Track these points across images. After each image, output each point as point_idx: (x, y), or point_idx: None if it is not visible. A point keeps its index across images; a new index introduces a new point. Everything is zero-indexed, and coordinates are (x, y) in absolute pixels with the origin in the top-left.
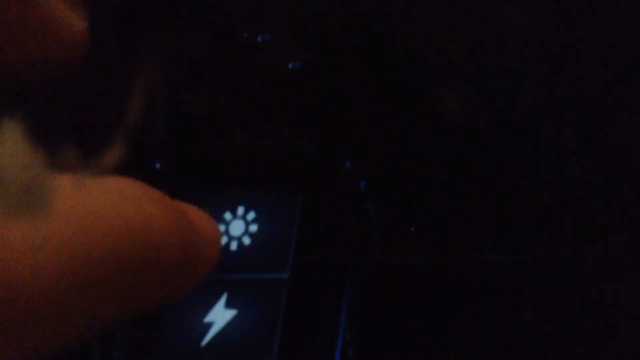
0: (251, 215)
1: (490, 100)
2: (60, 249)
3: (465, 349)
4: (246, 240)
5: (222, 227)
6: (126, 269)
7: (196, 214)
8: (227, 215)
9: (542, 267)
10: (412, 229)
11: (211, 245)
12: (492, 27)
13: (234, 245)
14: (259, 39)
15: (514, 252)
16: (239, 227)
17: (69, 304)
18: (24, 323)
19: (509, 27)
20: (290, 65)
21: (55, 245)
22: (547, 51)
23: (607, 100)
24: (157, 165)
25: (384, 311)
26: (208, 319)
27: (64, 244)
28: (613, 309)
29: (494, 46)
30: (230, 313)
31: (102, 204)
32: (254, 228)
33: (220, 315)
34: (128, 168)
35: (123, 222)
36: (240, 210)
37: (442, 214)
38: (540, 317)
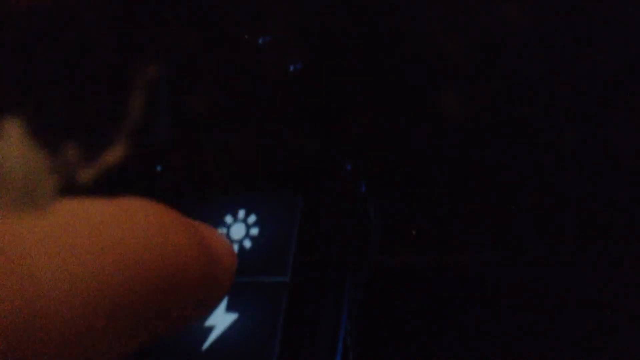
0: (252, 219)
1: (489, 100)
2: (88, 278)
3: (465, 349)
4: (247, 244)
5: (223, 231)
6: (152, 295)
7: (214, 237)
8: (228, 219)
9: (542, 267)
10: (414, 232)
11: (228, 267)
12: (492, 27)
13: (234, 249)
14: (260, 41)
15: (514, 252)
16: (239, 230)
17: (94, 331)
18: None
19: (509, 27)
20: (291, 67)
21: (82, 275)
22: (546, 51)
23: (607, 100)
24: (159, 168)
25: (385, 312)
26: (209, 322)
27: (91, 274)
28: (613, 309)
29: (492, 46)
30: (231, 317)
31: (128, 232)
32: (254, 231)
33: (221, 319)
34: (130, 170)
35: (150, 250)
36: (241, 213)
37: (441, 214)
38: (540, 317)
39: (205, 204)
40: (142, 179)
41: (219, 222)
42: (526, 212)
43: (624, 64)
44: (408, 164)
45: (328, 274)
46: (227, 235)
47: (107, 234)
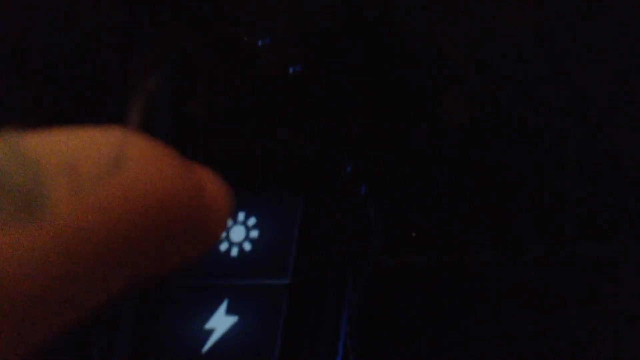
0: (252, 221)
1: (489, 101)
2: (75, 210)
3: (465, 349)
4: (247, 246)
5: (222, 233)
6: (138, 229)
7: (205, 175)
8: (228, 221)
9: (541, 267)
10: (414, 234)
11: (221, 207)
12: (492, 28)
13: (234, 251)
14: (259, 43)
15: (513, 252)
16: (239, 233)
17: (75, 273)
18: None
19: (509, 28)
20: (290, 69)
21: (69, 207)
22: (545, 52)
23: (607, 100)
24: None
25: (385, 312)
26: (209, 325)
27: (79, 207)
28: (613, 309)
29: (492, 48)
30: (231, 319)
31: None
32: (254, 234)
33: (221, 322)
34: None
35: (135, 180)
36: (241, 215)
37: (441, 214)
38: (540, 316)
39: None
40: None
41: None
42: (526, 212)
43: (624, 65)
44: (408, 165)
45: (328, 276)
46: (227, 236)
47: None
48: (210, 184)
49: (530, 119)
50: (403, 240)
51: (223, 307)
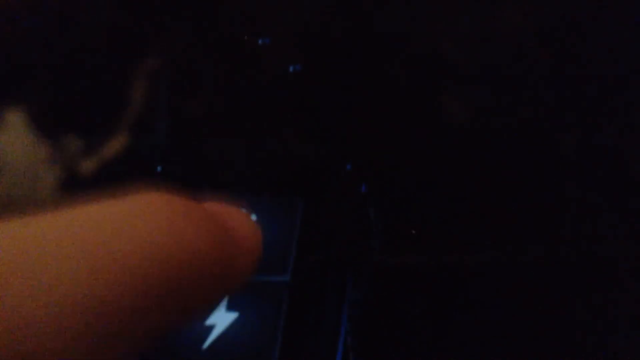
0: (252, 218)
1: (489, 101)
2: (87, 276)
3: (465, 348)
4: None
5: None
6: (158, 287)
7: (235, 218)
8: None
9: (541, 267)
10: (413, 231)
11: (250, 250)
12: (493, 29)
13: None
14: (260, 42)
15: (513, 252)
16: None
17: (100, 331)
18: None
19: (510, 29)
20: (290, 69)
21: (80, 275)
22: (545, 53)
23: (607, 100)
24: (159, 169)
25: (385, 312)
26: (209, 321)
27: (90, 274)
28: (613, 308)
29: (492, 48)
30: (232, 316)
31: (130, 223)
32: None
33: (221, 318)
34: (130, 171)
35: (153, 241)
36: None
37: (441, 214)
38: (540, 316)
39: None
40: (142, 179)
41: None
42: (526, 212)
43: (625, 65)
44: (408, 165)
45: (328, 275)
46: None
47: (108, 240)
48: (240, 227)
49: (531, 119)
50: (403, 240)
51: (224, 303)
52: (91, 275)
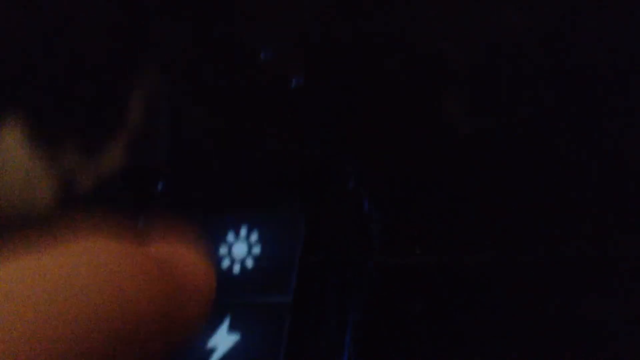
0: (254, 237)
1: (489, 101)
2: (25, 334)
3: (465, 349)
4: (249, 263)
5: (224, 250)
6: (108, 339)
7: (185, 263)
8: (230, 237)
9: (542, 267)
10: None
11: (201, 295)
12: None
13: (236, 268)
14: (262, 55)
15: (514, 252)
16: (241, 249)
17: None
18: None
19: (509, 28)
20: (293, 81)
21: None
22: (546, 53)
23: (607, 100)
24: (160, 186)
25: (385, 312)
26: (210, 344)
27: (29, 328)
28: (613, 309)
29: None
30: (233, 338)
31: (73, 278)
32: (256, 250)
33: (222, 340)
34: (131, 189)
35: (98, 297)
36: (243, 231)
37: (442, 214)
38: (540, 317)
39: (207, 221)
40: (143, 197)
41: (220, 240)
42: (526, 212)
43: (625, 66)
44: (408, 165)
45: (331, 295)
46: (229, 253)
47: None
48: (190, 270)
49: (531, 119)
50: (403, 240)
51: (225, 325)
52: (23, 338)
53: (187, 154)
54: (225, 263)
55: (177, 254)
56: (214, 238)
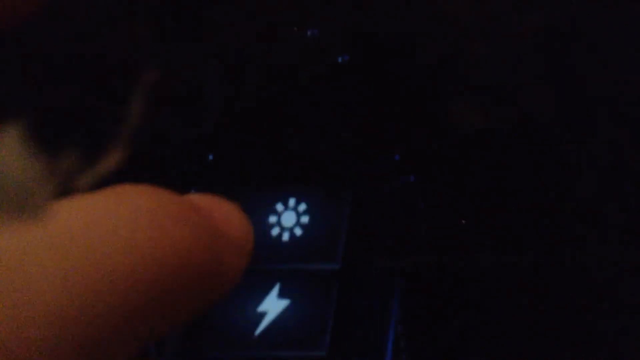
0: (302, 207)
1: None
2: (70, 277)
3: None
4: (298, 231)
5: (274, 219)
6: (143, 291)
7: (224, 213)
8: (279, 207)
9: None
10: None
11: (240, 244)
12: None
13: (285, 236)
14: (308, 33)
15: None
16: (290, 218)
17: (83, 341)
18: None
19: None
20: (339, 59)
21: (63, 274)
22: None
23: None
24: (210, 157)
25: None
26: (261, 308)
27: (73, 272)
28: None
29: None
30: (283, 303)
31: (113, 223)
32: (305, 219)
33: (273, 305)
34: (182, 159)
35: (136, 242)
36: (292, 201)
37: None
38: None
39: (255, 193)
40: (195, 167)
41: (269, 210)
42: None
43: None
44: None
45: (378, 268)
46: (278, 222)
47: (86, 224)
48: (228, 220)
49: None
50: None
51: (275, 290)
52: (68, 283)
53: (238, 125)
54: (275, 231)
55: (216, 204)
56: (262, 208)
